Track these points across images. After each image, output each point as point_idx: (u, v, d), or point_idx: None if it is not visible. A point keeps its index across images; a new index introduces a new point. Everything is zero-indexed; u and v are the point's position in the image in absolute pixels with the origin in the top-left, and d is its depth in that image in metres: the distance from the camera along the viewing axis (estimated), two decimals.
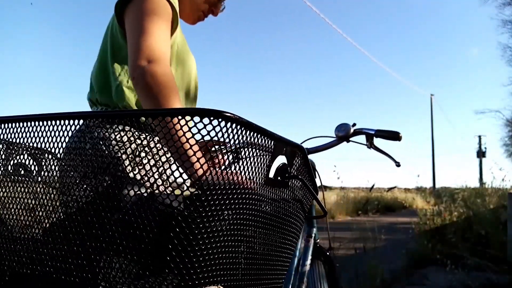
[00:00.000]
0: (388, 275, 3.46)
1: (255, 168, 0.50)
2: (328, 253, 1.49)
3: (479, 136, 33.35)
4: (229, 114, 0.45)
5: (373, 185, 4.07)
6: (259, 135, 0.49)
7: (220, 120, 0.45)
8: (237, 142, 0.47)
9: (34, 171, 0.51)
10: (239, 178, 0.49)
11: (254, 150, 0.50)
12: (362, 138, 1.39)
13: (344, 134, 1.38)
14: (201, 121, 0.45)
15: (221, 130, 0.45)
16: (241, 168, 0.50)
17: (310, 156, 1.39)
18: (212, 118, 0.45)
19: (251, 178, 0.51)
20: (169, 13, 0.89)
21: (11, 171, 0.50)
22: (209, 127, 0.45)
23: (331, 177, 3.29)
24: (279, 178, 0.54)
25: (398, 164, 1.47)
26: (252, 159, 0.50)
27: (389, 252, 3.58)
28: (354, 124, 1.40)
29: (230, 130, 0.46)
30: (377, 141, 1.42)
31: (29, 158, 0.52)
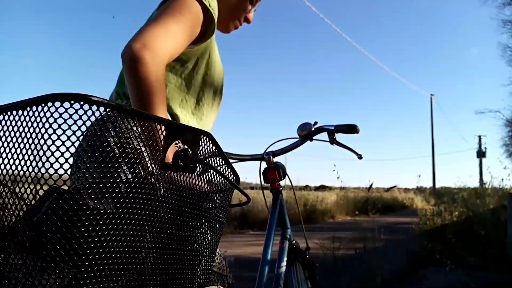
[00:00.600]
0: (388, 275, 3.46)
1: (144, 152, 0.50)
2: (306, 254, 1.47)
3: (479, 136, 33.37)
4: (95, 98, 0.43)
5: (371, 185, 4.08)
6: (144, 121, 0.49)
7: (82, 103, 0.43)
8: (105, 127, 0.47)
9: None
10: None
11: (133, 136, 0.49)
12: (325, 136, 1.40)
13: (306, 133, 1.40)
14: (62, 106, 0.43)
15: (85, 113, 0.43)
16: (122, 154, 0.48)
17: (279, 159, 1.41)
18: (73, 102, 0.43)
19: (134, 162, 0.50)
20: (198, 19, 0.86)
21: None
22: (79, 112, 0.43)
23: (332, 177, 3.29)
24: (180, 163, 0.53)
25: (360, 157, 1.47)
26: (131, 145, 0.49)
27: (389, 252, 3.57)
28: (315, 123, 1.41)
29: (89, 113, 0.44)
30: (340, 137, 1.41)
31: None
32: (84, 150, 0.48)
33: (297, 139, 1.43)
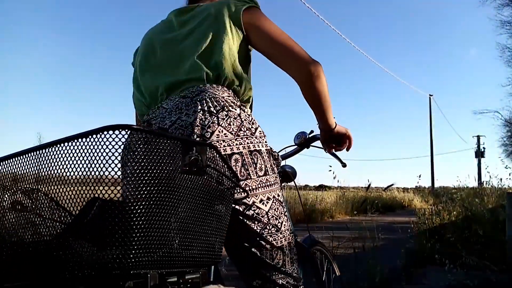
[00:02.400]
0: (387, 274, 3.47)
1: (168, 162, 0.68)
2: (309, 251, 1.54)
3: (478, 136, 33.42)
4: (137, 127, 0.64)
5: (369, 184, 4.09)
6: (167, 140, 0.68)
7: (127, 131, 0.63)
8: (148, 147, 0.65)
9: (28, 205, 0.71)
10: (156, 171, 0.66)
11: (163, 150, 0.67)
12: (319, 143, 1.49)
13: (302, 141, 1.54)
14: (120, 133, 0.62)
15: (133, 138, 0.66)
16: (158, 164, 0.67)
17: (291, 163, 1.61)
18: (125, 130, 0.62)
19: (167, 169, 0.67)
20: None
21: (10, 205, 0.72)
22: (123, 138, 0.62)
23: (331, 177, 3.29)
24: (194, 168, 0.71)
25: (344, 165, 1.63)
26: (162, 156, 0.67)
27: (388, 251, 3.58)
28: (311, 131, 1.53)
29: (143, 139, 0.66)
30: None
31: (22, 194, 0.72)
32: (134, 164, 0.65)
33: (295, 147, 1.56)
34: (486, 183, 6.90)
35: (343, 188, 17.31)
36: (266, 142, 1.06)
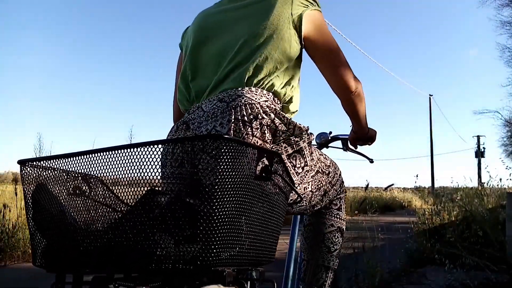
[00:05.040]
0: (387, 274, 3.46)
1: (245, 168, 0.74)
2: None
3: (478, 136, 33.40)
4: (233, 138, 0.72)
5: (368, 184, 4.09)
6: (245, 147, 0.74)
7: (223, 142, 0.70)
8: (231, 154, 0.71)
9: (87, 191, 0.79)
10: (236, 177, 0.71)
11: (243, 157, 0.73)
12: (338, 143, 1.64)
13: (323, 141, 1.62)
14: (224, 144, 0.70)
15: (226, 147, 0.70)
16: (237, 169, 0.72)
17: None
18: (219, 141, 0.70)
19: (243, 175, 0.73)
20: None
21: (71, 190, 0.79)
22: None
23: None
24: (263, 174, 0.78)
25: (371, 161, 1.71)
26: (242, 163, 0.73)
27: (388, 251, 3.58)
28: (330, 132, 1.62)
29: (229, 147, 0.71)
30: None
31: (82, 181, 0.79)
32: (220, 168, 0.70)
33: (315, 147, 1.61)
34: (486, 183, 6.89)
35: None
36: (307, 135, 1.04)
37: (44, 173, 0.81)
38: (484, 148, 33.00)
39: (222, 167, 0.69)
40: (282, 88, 1.05)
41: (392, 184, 3.35)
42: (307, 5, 1.04)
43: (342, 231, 1.32)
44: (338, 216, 1.32)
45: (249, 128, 0.95)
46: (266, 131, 0.97)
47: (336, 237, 1.30)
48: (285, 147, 0.99)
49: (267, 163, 0.79)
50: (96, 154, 0.75)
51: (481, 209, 5.10)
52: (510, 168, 5.67)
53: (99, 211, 0.76)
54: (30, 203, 0.81)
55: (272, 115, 0.99)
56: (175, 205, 0.68)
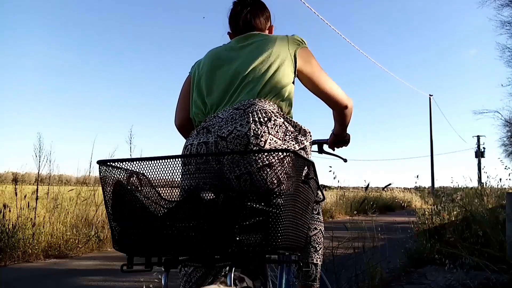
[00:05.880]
0: (387, 274, 3.47)
1: (298, 175, 0.97)
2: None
3: (478, 137, 33.41)
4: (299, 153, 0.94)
5: (368, 184, 4.08)
6: (299, 159, 0.96)
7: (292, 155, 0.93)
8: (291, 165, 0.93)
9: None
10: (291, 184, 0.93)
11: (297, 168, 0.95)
12: (314, 147, 1.81)
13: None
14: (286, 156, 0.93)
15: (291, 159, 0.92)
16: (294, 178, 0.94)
17: None
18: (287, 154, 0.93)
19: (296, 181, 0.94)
20: None
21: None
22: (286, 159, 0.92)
23: (331, 177, 3.28)
24: (305, 179, 1.00)
25: (345, 160, 1.85)
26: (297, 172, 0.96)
27: (388, 251, 3.58)
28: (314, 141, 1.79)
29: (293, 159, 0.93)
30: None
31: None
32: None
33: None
34: (486, 183, 6.89)
35: (343, 188, 17.31)
36: (310, 135, 1.30)
37: (119, 172, 0.97)
38: (484, 148, 33.01)
39: (286, 175, 0.91)
40: (282, 102, 1.29)
41: (390, 184, 3.35)
42: (299, 44, 1.36)
43: (323, 232, 1.54)
44: (319, 220, 1.52)
45: (265, 127, 1.15)
46: (279, 130, 1.17)
47: (319, 237, 1.50)
48: (293, 144, 1.20)
49: (307, 170, 1.02)
50: (173, 160, 0.95)
51: (481, 209, 5.10)
52: (509, 168, 5.67)
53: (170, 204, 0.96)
54: (109, 197, 0.97)
55: (282, 119, 1.22)
56: (245, 205, 0.87)
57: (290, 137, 1.19)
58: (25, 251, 4.76)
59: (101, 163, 0.96)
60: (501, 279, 3.15)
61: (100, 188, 6.71)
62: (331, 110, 1.50)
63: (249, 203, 0.86)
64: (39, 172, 5.75)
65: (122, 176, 0.96)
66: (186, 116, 1.44)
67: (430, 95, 26.58)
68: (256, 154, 1.03)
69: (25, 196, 5.37)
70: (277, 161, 0.92)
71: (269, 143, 1.12)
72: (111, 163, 0.96)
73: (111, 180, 0.97)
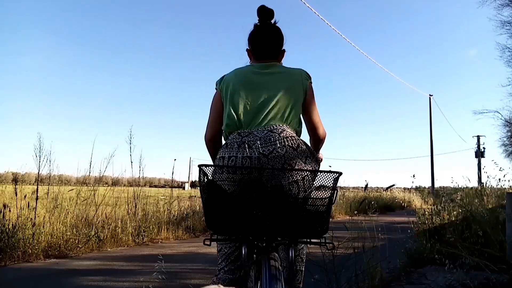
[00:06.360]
0: (387, 274, 3.47)
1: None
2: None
3: (478, 137, 33.41)
4: (338, 172, 1.34)
5: (367, 184, 4.09)
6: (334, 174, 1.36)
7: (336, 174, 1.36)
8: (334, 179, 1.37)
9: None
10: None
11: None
12: None
13: None
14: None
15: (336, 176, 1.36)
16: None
17: None
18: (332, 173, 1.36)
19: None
20: None
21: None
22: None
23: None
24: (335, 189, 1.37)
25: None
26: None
27: (388, 251, 3.58)
28: None
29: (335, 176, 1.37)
30: None
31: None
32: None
33: None
34: (486, 183, 6.89)
35: (343, 188, 17.30)
36: (322, 160, 1.76)
37: (212, 173, 1.43)
38: (484, 148, 33.02)
39: (333, 191, 1.36)
40: (299, 128, 1.68)
41: (393, 185, 3.35)
42: (308, 79, 1.69)
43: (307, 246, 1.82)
44: None
45: (296, 152, 1.50)
46: (303, 155, 1.51)
47: (303, 249, 1.73)
48: (314, 165, 1.54)
49: (334, 182, 1.36)
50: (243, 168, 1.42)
51: (481, 209, 5.09)
52: (503, 169, 5.66)
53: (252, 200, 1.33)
54: (205, 192, 1.34)
55: (305, 146, 1.55)
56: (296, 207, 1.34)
57: (311, 159, 1.53)
58: (25, 251, 4.76)
59: (199, 166, 1.35)
60: (501, 279, 3.15)
61: (100, 188, 6.68)
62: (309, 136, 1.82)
63: (305, 206, 1.35)
64: (39, 172, 5.75)
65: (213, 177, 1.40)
66: (218, 129, 1.68)
67: (430, 95, 26.60)
68: (289, 172, 1.41)
69: (25, 196, 5.37)
70: (328, 180, 1.38)
71: (298, 164, 1.47)
72: (205, 167, 1.37)
73: (206, 178, 1.36)
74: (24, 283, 3.66)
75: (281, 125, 1.55)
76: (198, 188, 1.33)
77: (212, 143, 1.71)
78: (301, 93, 1.64)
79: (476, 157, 32.86)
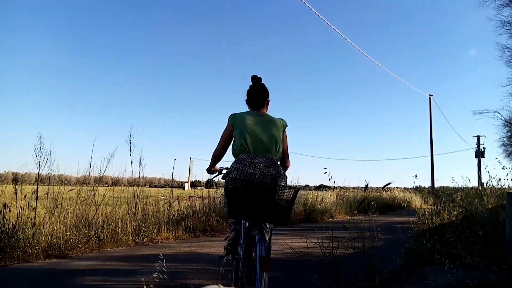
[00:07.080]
0: (387, 274, 3.46)
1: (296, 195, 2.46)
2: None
3: (478, 137, 33.41)
4: (296, 188, 2.47)
5: (367, 184, 4.09)
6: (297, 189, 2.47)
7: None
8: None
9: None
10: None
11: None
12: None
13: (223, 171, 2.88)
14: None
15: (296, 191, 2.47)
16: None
17: None
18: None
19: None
20: None
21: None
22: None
23: (331, 177, 3.28)
24: (294, 195, 2.44)
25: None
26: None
27: (388, 251, 3.58)
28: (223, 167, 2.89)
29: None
30: None
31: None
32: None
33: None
34: (486, 183, 6.89)
35: (343, 188, 17.29)
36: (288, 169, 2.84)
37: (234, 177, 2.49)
38: (484, 148, 33.01)
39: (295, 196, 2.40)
40: (280, 159, 2.70)
41: (389, 183, 3.35)
42: (285, 126, 2.74)
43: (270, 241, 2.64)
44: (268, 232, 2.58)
45: (283, 174, 2.55)
46: (284, 177, 2.56)
47: (271, 227, 2.66)
48: (285, 181, 2.55)
49: (294, 192, 2.39)
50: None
51: (481, 209, 5.09)
52: (506, 168, 5.67)
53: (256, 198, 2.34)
54: (228, 191, 2.39)
55: (282, 170, 2.56)
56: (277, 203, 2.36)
57: (283, 178, 2.52)
58: (25, 251, 4.76)
59: (225, 176, 2.51)
60: (501, 279, 3.15)
61: (100, 188, 6.68)
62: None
63: (281, 203, 2.33)
64: (39, 172, 5.75)
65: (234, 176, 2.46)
66: (224, 151, 2.72)
67: (430, 95, 26.60)
68: (283, 188, 2.40)
69: (25, 196, 5.37)
70: (294, 191, 2.39)
71: (284, 182, 2.50)
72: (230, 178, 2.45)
73: (228, 177, 2.46)
74: (24, 283, 3.66)
75: (273, 156, 2.56)
76: (220, 188, 2.21)
77: (218, 158, 2.76)
78: (281, 135, 2.66)
79: (476, 157, 32.87)
